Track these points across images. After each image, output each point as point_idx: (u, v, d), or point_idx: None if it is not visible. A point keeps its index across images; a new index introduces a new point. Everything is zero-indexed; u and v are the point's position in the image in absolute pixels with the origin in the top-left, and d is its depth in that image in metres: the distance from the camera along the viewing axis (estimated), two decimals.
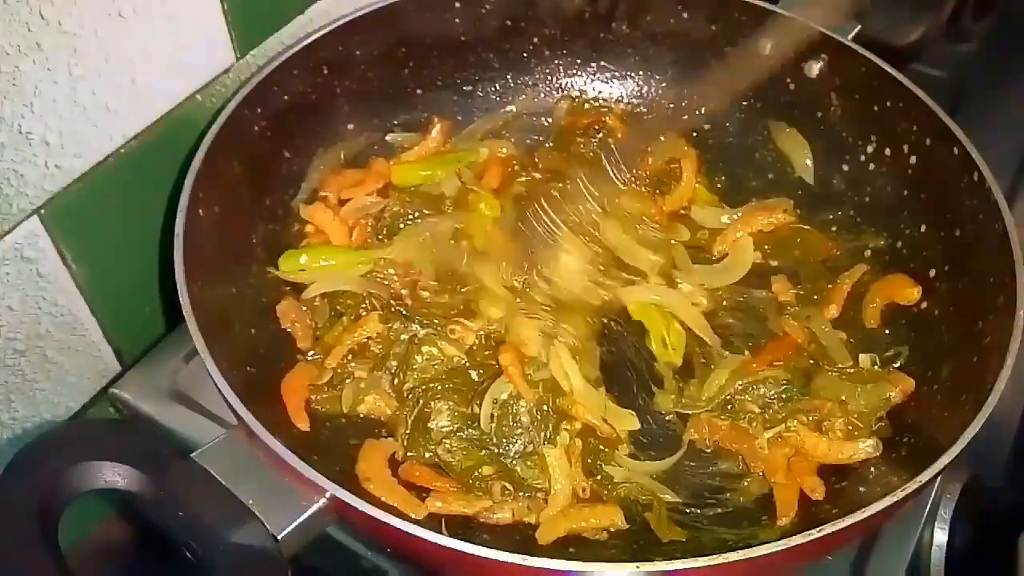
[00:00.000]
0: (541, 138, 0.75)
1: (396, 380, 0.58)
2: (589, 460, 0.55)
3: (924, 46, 0.80)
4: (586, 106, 0.75)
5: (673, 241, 0.65)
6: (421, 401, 0.56)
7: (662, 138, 0.71)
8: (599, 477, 0.54)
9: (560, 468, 0.53)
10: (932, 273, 0.61)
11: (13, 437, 0.58)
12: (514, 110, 0.75)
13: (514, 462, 0.54)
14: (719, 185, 0.71)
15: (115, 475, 0.46)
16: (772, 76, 0.71)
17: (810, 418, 0.56)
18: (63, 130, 0.52)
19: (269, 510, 0.45)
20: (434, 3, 0.70)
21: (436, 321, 0.59)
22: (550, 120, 0.76)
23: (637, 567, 0.43)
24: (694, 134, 0.74)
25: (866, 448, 0.54)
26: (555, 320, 0.58)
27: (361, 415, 0.57)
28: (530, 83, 0.76)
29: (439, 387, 0.57)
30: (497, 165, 0.70)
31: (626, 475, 0.54)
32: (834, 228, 0.68)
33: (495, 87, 0.75)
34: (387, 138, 0.72)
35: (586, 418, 0.55)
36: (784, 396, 0.58)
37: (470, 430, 0.55)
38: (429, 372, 0.58)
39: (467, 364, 0.58)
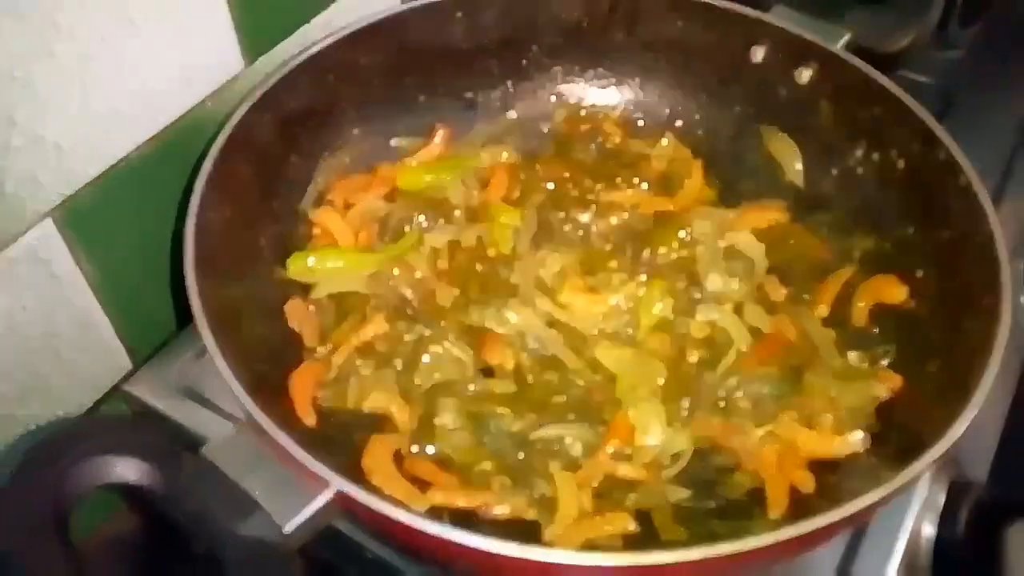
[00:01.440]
0: (542, 143, 0.77)
1: (403, 379, 0.59)
2: (604, 488, 0.54)
3: (912, 53, 0.82)
4: (582, 112, 0.77)
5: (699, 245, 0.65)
6: (427, 398, 0.57)
7: (664, 141, 0.73)
8: (615, 495, 0.54)
9: (570, 493, 0.53)
10: (920, 274, 0.62)
11: (27, 433, 0.58)
12: (515, 116, 0.77)
13: (527, 473, 0.54)
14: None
15: (127, 469, 0.47)
16: (764, 83, 0.73)
17: (800, 414, 0.57)
18: (75, 135, 0.53)
19: (277, 503, 0.46)
20: (436, 14, 0.71)
21: (443, 323, 0.61)
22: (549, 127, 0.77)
23: (630, 558, 0.44)
24: (688, 139, 0.75)
25: (854, 442, 0.55)
26: None
27: (366, 411, 0.58)
28: (530, 89, 0.77)
29: (446, 385, 0.58)
30: (503, 171, 0.71)
31: (641, 491, 0.54)
32: (824, 230, 0.69)
33: (496, 94, 0.76)
34: (391, 143, 0.73)
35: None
36: (775, 393, 0.59)
37: (475, 428, 0.56)
38: (436, 370, 0.59)
39: (475, 364, 0.59)
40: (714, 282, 0.63)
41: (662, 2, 0.73)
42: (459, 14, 0.72)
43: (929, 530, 0.58)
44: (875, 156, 0.68)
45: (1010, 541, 0.56)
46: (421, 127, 0.74)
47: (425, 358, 0.59)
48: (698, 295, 0.63)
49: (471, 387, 0.58)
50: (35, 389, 0.58)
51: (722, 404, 0.59)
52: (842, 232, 0.68)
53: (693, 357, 0.60)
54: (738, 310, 0.63)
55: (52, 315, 0.57)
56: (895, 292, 0.62)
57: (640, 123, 0.77)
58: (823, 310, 0.64)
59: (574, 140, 0.74)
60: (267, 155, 0.64)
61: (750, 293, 0.64)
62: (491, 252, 0.65)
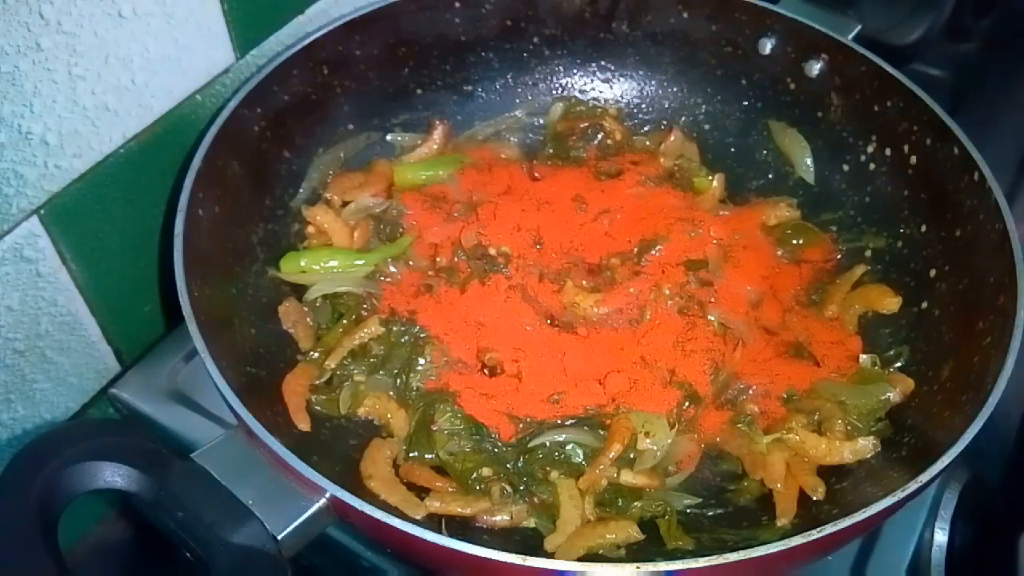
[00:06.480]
0: (542, 139, 0.75)
1: (399, 382, 0.58)
2: (608, 496, 0.53)
3: (924, 46, 0.80)
4: (580, 108, 0.75)
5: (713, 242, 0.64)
6: (424, 403, 0.56)
7: (672, 138, 0.71)
8: (619, 503, 0.53)
9: (572, 500, 0.52)
10: (932, 273, 0.61)
11: (13, 437, 0.57)
12: (515, 111, 0.75)
13: (527, 480, 0.53)
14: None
15: (115, 475, 0.46)
16: (772, 76, 0.71)
17: (809, 419, 0.56)
18: (63, 130, 0.52)
19: (269, 510, 0.45)
20: (434, 3, 0.70)
21: (441, 323, 0.59)
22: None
23: (637, 567, 0.43)
24: (694, 134, 0.74)
25: (865, 448, 0.54)
26: None
27: (361, 416, 0.57)
28: (530, 83, 0.76)
29: (443, 388, 0.56)
30: (504, 168, 0.70)
31: (646, 498, 0.53)
32: (834, 228, 0.68)
33: (495, 87, 0.75)
34: (387, 138, 0.72)
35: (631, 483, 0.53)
36: (784, 397, 0.57)
37: (472, 435, 0.55)
38: (434, 373, 0.58)
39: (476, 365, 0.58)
40: (727, 283, 0.61)
41: None
42: (457, 4, 0.70)
43: (942, 535, 0.57)
44: (887, 151, 0.66)
45: None
46: (418, 122, 0.72)
47: (421, 361, 0.58)
48: (708, 295, 0.62)
49: (470, 390, 0.57)
50: (21, 392, 0.57)
51: (729, 408, 0.57)
52: (853, 230, 0.67)
53: (697, 359, 0.59)
54: (750, 311, 0.61)
55: (38, 316, 0.55)
56: (888, 302, 0.61)
57: (643, 117, 0.76)
58: (833, 310, 0.62)
59: (574, 137, 0.73)
60: (259, 151, 0.63)
61: (763, 293, 0.62)
62: (492, 250, 0.64)
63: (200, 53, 0.59)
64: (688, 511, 0.54)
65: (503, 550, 0.43)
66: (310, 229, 0.65)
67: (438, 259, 0.64)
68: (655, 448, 0.54)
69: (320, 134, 0.68)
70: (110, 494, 0.46)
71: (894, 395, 0.56)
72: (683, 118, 0.75)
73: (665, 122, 0.75)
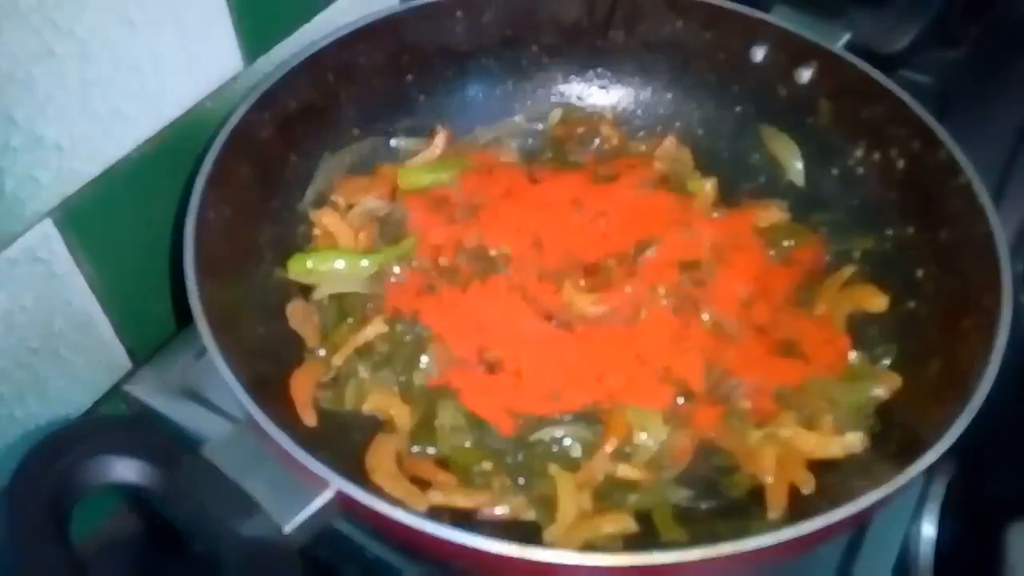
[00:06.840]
0: (542, 144, 0.77)
1: (402, 379, 0.59)
2: (604, 489, 0.54)
3: (912, 53, 0.82)
4: (577, 114, 0.76)
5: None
6: (427, 399, 0.58)
7: (667, 143, 0.73)
8: (615, 496, 0.54)
9: (570, 493, 0.53)
10: (920, 273, 0.62)
11: (26, 433, 0.58)
12: (516, 116, 0.77)
13: (527, 474, 0.54)
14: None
15: (126, 470, 0.47)
16: (764, 83, 0.73)
17: (800, 415, 0.57)
18: (75, 135, 0.53)
19: (277, 503, 0.46)
20: (436, 13, 0.71)
21: (444, 323, 0.61)
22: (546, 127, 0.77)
23: (633, 558, 0.44)
24: (688, 139, 0.76)
25: (853, 442, 0.55)
26: None
27: (366, 412, 0.58)
28: (530, 90, 0.77)
29: (445, 384, 0.58)
30: (504, 171, 0.71)
31: (641, 491, 0.54)
32: (824, 230, 0.69)
33: (496, 93, 0.76)
34: (391, 143, 0.73)
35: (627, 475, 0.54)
36: (775, 393, 0.59)
37: (475, 429, 0.56)
38: (435, 371, 0.59)
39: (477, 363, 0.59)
40: (719, 283, 0.63)
41: (662, 2, 0.73)
42: (459, 13, 0.72)
43: (929, 529, 0.58)
44: (875, 156, 0.68)
45: (1011, 540, 0.56)
46: (422, 127, 0.74)
47: (424, 358, 0.59)
48: (701, 295, 0.63)
49: (471, 386, 0.58)
50: (34, 389, 0.58)
51: (721, 403, 0.59)
52: (842, 232, 0.69)
53: (691, 356, 0.60)
54: (742, 310, 0.63)
55: (51, 315, 0.57)
56: (875, 301, 0.62)
57: (639, 123, 0.78)
58: (823, 309, 0.64)
59: (572, 142, 0.74)
60: (267, 155, 0.64)
61: (755, 293, 0.64)
62: (492, 251, 0.66)
63: (210, 60, 0.61)
64: (682, 504, 0.55)
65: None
66: (316, 231, 0.67)
67: (440, 260, 0.66)
68: (650, 443, 0.56)
69: (326, 139, 0.69)
70: (122, 489, 0.47)
71: (882, 391, 0.58)
72: (677, 124, 0.76)
73: (660, 127, 0.76)
